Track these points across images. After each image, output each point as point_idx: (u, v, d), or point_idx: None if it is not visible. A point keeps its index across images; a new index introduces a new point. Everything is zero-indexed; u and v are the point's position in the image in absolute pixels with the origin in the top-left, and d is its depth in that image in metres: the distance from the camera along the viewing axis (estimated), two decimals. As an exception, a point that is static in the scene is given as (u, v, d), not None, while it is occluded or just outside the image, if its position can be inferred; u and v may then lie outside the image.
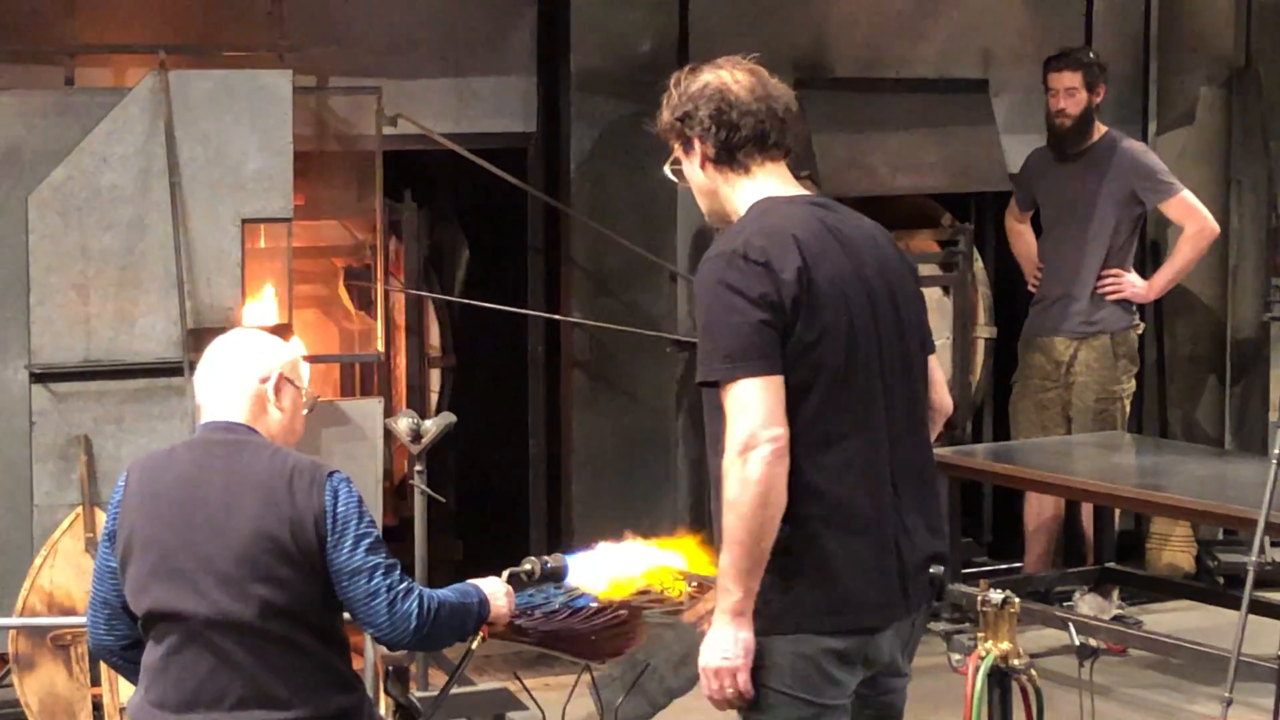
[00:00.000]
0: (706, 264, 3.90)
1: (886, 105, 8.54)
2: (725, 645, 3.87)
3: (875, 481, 3.95)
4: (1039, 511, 7.98)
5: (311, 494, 3.99)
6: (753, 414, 3.79)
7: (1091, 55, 8.06)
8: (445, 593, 4.16)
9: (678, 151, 4.12)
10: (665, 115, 4.10)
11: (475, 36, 7.93)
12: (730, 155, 4.02)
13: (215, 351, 4.26)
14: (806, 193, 4.08)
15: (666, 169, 4.19)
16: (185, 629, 3.99)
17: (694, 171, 4.10)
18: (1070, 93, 7.93)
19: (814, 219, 3.96)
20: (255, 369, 4.19)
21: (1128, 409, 8.09)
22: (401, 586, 4.02)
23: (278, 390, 4.19)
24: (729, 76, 4.03)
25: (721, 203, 4.09)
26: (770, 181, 4.04)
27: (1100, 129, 7.99)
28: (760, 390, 3.80)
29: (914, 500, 4.03)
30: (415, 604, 4.02)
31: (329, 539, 3.98)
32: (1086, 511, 8.02)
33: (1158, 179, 7.97)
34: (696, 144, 4.06)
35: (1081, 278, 7.94)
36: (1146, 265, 8.59)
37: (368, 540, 4.01)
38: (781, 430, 3.79)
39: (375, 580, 3.99)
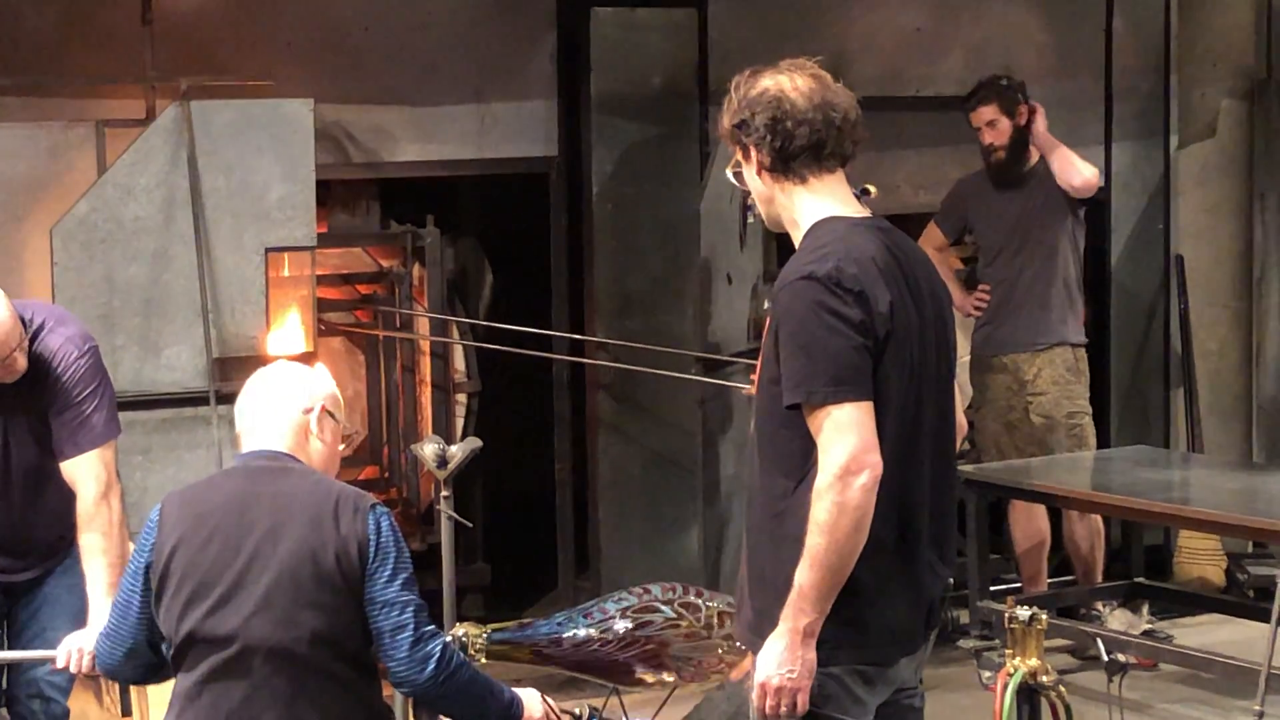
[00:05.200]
0: (796, 285, 3.85)
1: (907, 123, 8.57)
2: (791, 663, 3.86)
3: (913, 515, 3.95)
4: (1026, 532, 7.95)
5: (356, 522, 4.02)
6: (855, 439, 3.78)
7: (1003, 81, 7.98)
8: (478, 670, 4.17)
9: (738, 155, 4.08)
10: (724, 121, 4.05)
11: (496, 61, 7.95)
12: (785, 164, 3.98)
13: (258, 382, 4.29)
14: (866, 213, 4.06)
15: (728, 172, 4.15)
16: (223, 655, 3.99)
17: (751, 178, 4.05)
18: (992, 125, 7.88)
19: (883, 246, 3.94)
20: (299, 400, 4.23)
21: (1092, 427, 8.05)
22: (428, 629, 4.04)
23: (320, 422, 4.24)
24: (788, 82, 3.98)
25: (778, 210, 4.05)
26: (830, 195, 4.00)
27: (1036, 151, 7.94)
28: (863, 415, 3.80)
29: (939, 531, 4.04)
30: (438, 649, 4.04)
31: (369, 566, 4.00)
32: (1082, 528, 7.97)
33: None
34: (752, 151, 4.01)
35: (1038, 295, 7.89)
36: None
37: (404, 575, 4.04)
38: (879, 458, 3.79)
39: (405, 615, 4.01)
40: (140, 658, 4.18)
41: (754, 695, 3.92)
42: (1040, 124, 7.89)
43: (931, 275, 4.09)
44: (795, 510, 3.87)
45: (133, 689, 5.73)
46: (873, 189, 7.27)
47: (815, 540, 3.79)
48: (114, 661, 4.22)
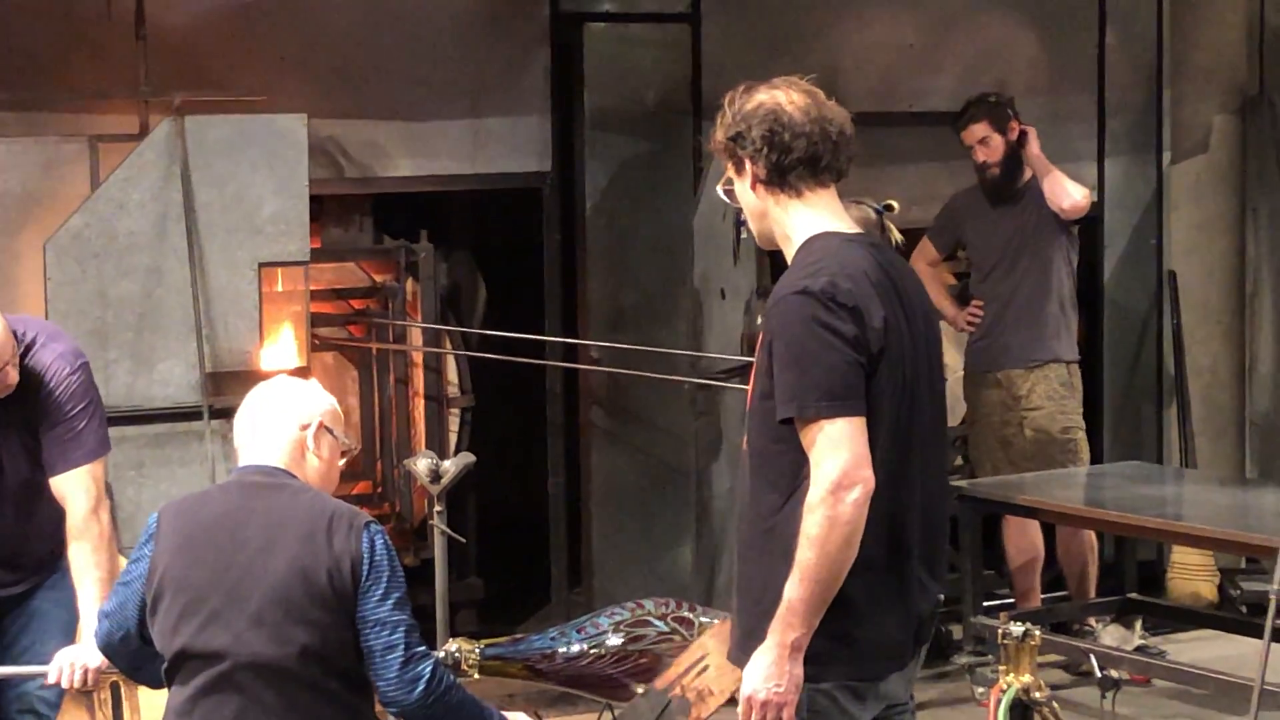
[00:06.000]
0: (790, 300, 3.85)
1: (900, 138, 8.57)
2: (778, 678, 3.84)
3: (904, 532, 3.95)
4: (1020, 547, 7.95)
5: (349, 539, 4.02)
6: (847, 454, 3.77)
7: (992, 98, 8.00)
8: (467, 692, 4.17)
9: (730, 171, 4.07)
10: (718, 134, 4.05)
11: (490, 76, 7.95)
12: (781, 177, 3.97)
13: (256, 397, 4.28)
14: (859, 230, 4.06)
15: (719, 189, 4.15)
16: (215, 671, 3.99)
17: (745, 192, 4.05)
18: (984, 143, 7.90)
19: (876, 263, 3.94)
20: (296, 415, 4.22)
21: (1086, 443, 8.05)
22: (419, 649, 4.04)
23: (317, 438, 4.23)
24: (784, 97, 3.98)
25: (771, 225, 4.05)
26: (824, 209, 4.01)
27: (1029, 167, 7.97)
28: (856, 430, 3.79)
29: (929, 548, 4.04)
30: (428, 670, 4.03)
31: (362, 584, 4.00)
32: (1075, 544, 7.97)
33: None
34: (748, 164, 4.00)
35: (1032, 311, 7.90)
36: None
37: (397, 595, 4.03)
38: (871, 473, 3.79)
39: (396, 635, 4.01)
40: (131, 644, 4.19)
41: (740, 709, 3.91)
42: (1034, 145, 7.91)
43: (922, 293, 4.10)
44: (786, 525, 3.87)
45: (125, 704, 5.73)
46: (895, 204, 7.30)
47: (806, 554, 3.78)
48: (110, 641, 4.23)
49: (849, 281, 3.85)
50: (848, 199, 7.31)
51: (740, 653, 3.99)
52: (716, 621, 5.55)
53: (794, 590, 3.80)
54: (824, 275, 3.85)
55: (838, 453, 3.78)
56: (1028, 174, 7.92)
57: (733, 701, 5.09)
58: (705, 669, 5.59)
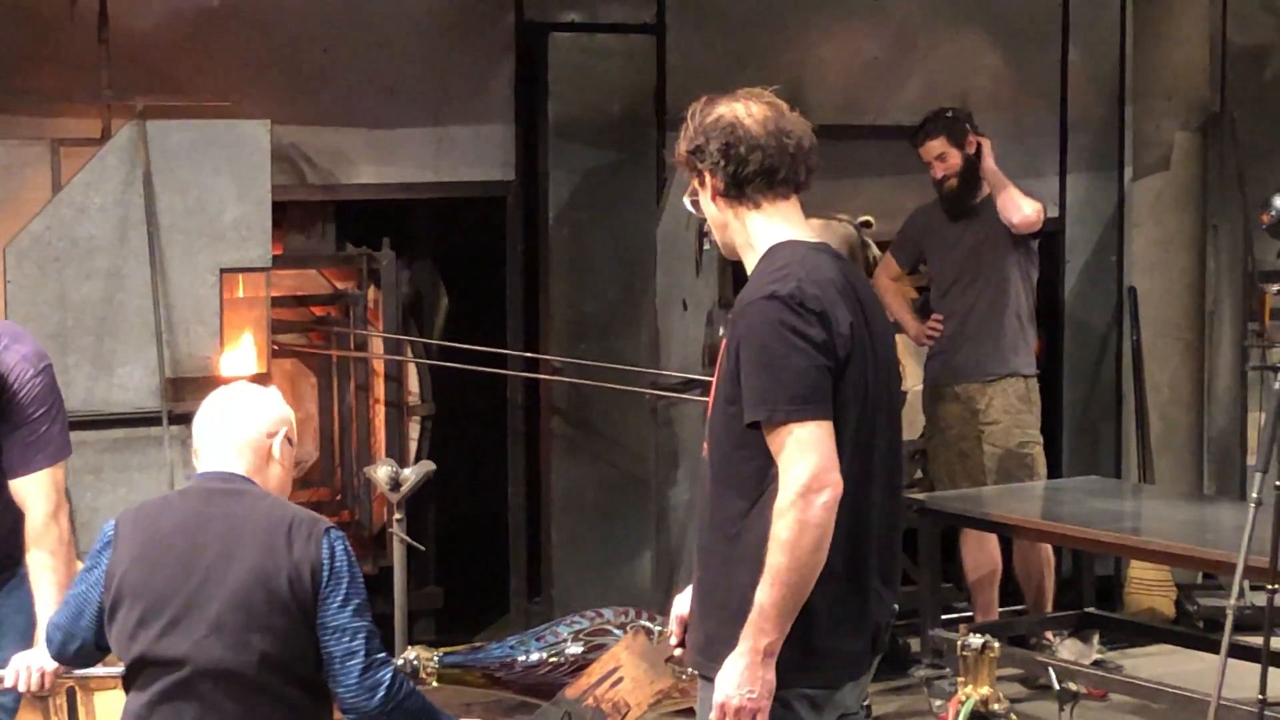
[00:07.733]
0: (758, 304, 3.88)
1: (864, 152, 8.59)
2: (751, 683, 3.85)
3: (865, 541, 3.97)
4: (978, 561, 7.96)
5: (310, 545, 4.02)
6: (816, 457, 3.79)
7: (949, 113, 8.02)
8: (426, 699, 4.16)
9: (694, 183, 4.12)
10: (680, 147, 4.10)
11: (454, 85, 7.95)
12: (739, 189, 4.01)
13: (219, 403, 4.27)
14: (820, 239, 4.09)
15: (685, 200, 4.19)
16: (174, 678, 3.98)
17: (707, 204, 4.09)
18: (942, 158, 7.92)
19: (840, 271, 3.98)
20: (262, 423, 4.23)
21: (1043, 457, 8.07)
22: (379, 656, 4.04)
23: (282, 446, 4.24)
24: (743, 110, 4.02)
25: (732, 236, 4.09)
26: (784, 220, 4.03)
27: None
28: (825, 434, 3.81)
29: (885, 558, 4.06)
30: (388, 676, 4.03)
31: (322, 590, 4.00)
32: (1033, 558, 7.99)
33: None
34: (707, 177, 4.05)
35: (991, 325, 7.92)
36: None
37: (357, 601, 4.03)
38: (839, 477, 3.81)
39: (356, 641, 4.01)
40: (86, 652, 4.21)
41: (712, 715, 3.91)
42: (988, 159, 7.93)
43: (880, 306, 4.14)
44: (751, 531, 3.88)
45: (81, 709, 5.71)
46: (872, 221, 7.29)
47: (777, 559, 3.79)
48: (64, 653, 4.25)
49: (816, 287, 3.87)
50: (824, 214, 7.36)
51: (701, 658, 4.00)
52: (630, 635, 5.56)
53: (765, 595, 3.81)
54: (792, 280, 3.87)
55: (807, 456, 3.79)
56: (985, 189, 7.93)
57: (691, 713, 5.10)
58: (620, 681, 5.61)
